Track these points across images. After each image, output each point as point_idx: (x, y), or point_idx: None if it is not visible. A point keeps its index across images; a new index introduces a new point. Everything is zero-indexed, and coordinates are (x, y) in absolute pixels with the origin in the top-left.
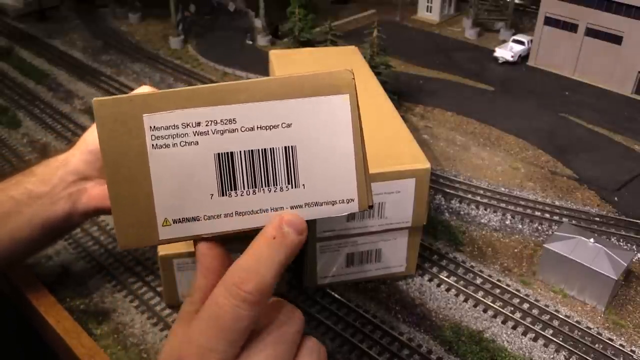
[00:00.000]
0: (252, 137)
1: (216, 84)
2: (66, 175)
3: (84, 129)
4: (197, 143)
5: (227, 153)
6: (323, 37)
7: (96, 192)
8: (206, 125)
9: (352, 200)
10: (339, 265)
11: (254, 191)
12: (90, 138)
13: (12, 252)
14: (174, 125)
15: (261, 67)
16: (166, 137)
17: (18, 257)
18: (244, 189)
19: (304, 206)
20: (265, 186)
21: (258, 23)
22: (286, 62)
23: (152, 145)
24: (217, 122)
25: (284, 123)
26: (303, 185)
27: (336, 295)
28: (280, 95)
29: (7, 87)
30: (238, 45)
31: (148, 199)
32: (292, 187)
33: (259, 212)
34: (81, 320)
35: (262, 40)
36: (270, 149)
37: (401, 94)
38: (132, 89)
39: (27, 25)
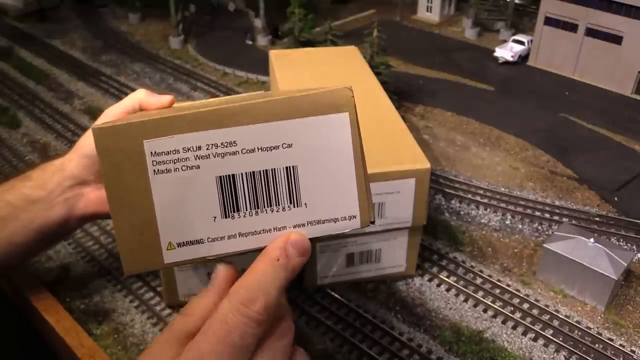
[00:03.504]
0: (253, 158)
1: (215, 108)
2: (63, 180)
3: (84, 129)
4: (198, 167)
5: (229, 176)
6: (323, 37)
7: (93, 197)
8: (207, 149)
9: (355, 216)
10: (339, 265)
11: (256, 212)
12: (86, 142)
13: (9, 256)
14: (174, 150)
15: (261, 67)
16: (167, 162)
17: (14, 262)
18: (246, 210)
19: (306, 224)
20: (268, 207)
21: (258, 23)
22: (286, 62)
23: (154, 170)
24: (217, 146)
25: (285, 143)
26: (305, 204)
27: (336, 295)
28: (280, 116)
29: (7, 87)
30: (238, 45)
31: (152, 223)
32: (294, 207)
33: (262, 232)
34: (81, 320)
35: (262, 40)
36: (272, 169)
37: (401, 94)
38: (132, 89)
39: (27, 25)
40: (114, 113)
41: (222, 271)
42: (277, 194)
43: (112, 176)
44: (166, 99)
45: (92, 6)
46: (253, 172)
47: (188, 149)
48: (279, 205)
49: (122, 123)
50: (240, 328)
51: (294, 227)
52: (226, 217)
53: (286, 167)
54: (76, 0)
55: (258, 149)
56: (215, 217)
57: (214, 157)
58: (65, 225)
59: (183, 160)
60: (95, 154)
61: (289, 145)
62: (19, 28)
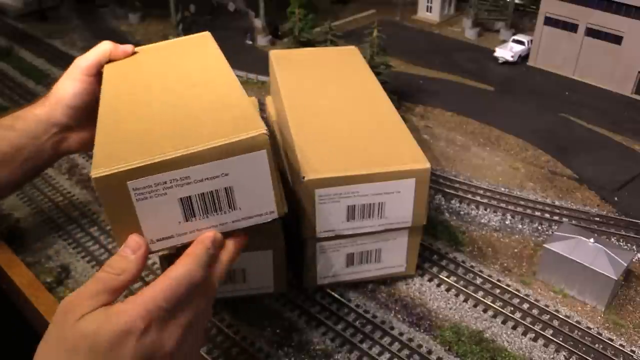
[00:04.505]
0: (202, 185)
1: (173, 157)
2: (50, 127)
3: None
4: (165, 194)
5: (187, 197)
6: (323, 37)
7: (77, 138)
8: (170, 182)
9: (273, 211)
10: (339, 265)
11: (207, 216)
12: (65, 94)
13: (6, 189)
14: (148, 186)
15: (261, 67)
16: (144, 193)
17: (7, 192)
18: (200, 215)
19: (241, 220)
20: (214, 212)
21: (258, 23)
22: (286, 62)
23: (136, 199)
24: (177, 180)
25: (223, 173)
26: (240, 207)
27: (336, 295)
28: (218, 157)
29: (7, 87)
30: (238, 45)
31: (138, 230)
32: (232, 210)
33: (211, 227)
34: None
35: (262, 40)
36: (215, 190)
37: (401, 94)
38: None
39: (27, 25)
40: (85, 65)
41: (134, 240)
42: (220, 204)
43: (109, 204)
44: (129, 47)
45: (92, 6)
46: (203, 193)
47: (157, 184)
48: (222, 210)
49: (113, 172)
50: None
51: (233, 222)
52: (187, 221)
53: (225, 187)
54: (76, 0)
55: (205, 179)
56: (180, 222)
57: (175, 187)
58: (52, 161)
59: (155, 191)
60: (76, 104)
61: (226, 174)
62: (19, 28)
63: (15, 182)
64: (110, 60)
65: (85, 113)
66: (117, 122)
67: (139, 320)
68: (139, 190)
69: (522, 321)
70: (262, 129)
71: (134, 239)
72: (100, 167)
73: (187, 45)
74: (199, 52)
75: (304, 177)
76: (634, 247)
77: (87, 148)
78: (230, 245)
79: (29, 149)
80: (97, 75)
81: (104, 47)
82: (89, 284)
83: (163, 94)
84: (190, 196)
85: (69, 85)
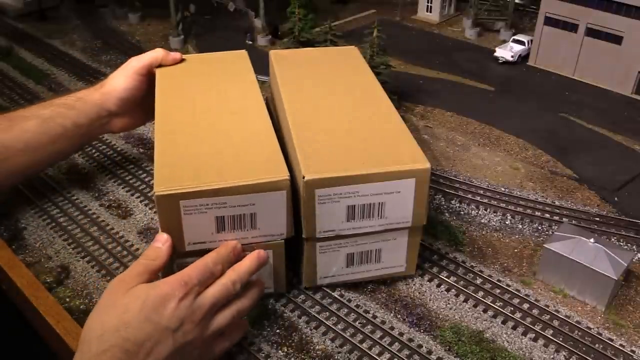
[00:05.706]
0: (234, 209)
1: (215, 188)
2: (102, 111)
3: None
4: (205, 212)
5: (221, 216)
6: (323, 37)
7: (119, 124)
8: (211, 205)
9: (283, 233)
10: (339, 265)
11: (233, 231)
12: (118, 87)
13: (55, 161)
14: (194, 205)
15: (261, 67)
16: (191, 209)
17: (62, 160)
18: (229, 229)
19: (258, 237)
20: (239, 229)
21: (258, 23)
22: (286, 62)
23: (184, 213)
24: (217, 204)
25: (251, 203)
26: (259, 228)
27: (336, 295)
28: (250, 192)
29: (7, 87)
30: (238, 45)
31: (181, 234)
32: (253, 229)
33: (234, 239)
34: (81, 320)
35: (262, 40)
36: (243, 214)
37: (401, 94)
38: None
39: (27, 25)
40: (138, 65)
41: (162, 236)
42: (245, 224)
43: (163, 214)
44: (178, 56)
45: (92, 6)
46: (234, 215)
47: (201, 205)
48: (245, 228)
49: (171, 193)
50: (226, 294)
51: (251, 237)
52: (218, 232)
53: (250, 213)
54: (76, 0)
55: (237, 205)
56: (212, 232)
57: (214, 208)
58: (96, 137)
59: (199, 209)
60: (125, 97)
61: (253, 204)
62: (19, 28)
63: (70, 152)
64: (160, 65)
65: (131, 105)
66: (172, 146)
67: (178, 290)
68: (187, 207)
69: (522, 321)
70: (286, 175)
71: (162, 235)
72: (161, 186)
73: (226, 63)
74: (236, 72)
75: (304, 177)
76: (634, 247)
77: (124, 130)
78: (247, 260)
79: (85, 127)
80: (147, 75)
81: (157, 53)
82: (133, 267)
83: (208, 118)
84: (224, 216)
85: (122, 81)
